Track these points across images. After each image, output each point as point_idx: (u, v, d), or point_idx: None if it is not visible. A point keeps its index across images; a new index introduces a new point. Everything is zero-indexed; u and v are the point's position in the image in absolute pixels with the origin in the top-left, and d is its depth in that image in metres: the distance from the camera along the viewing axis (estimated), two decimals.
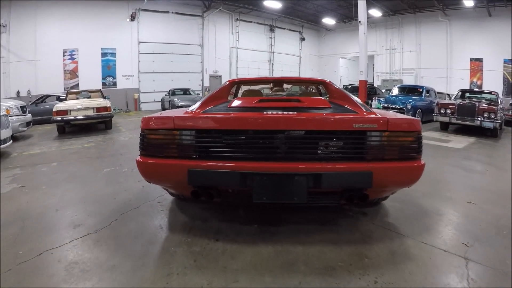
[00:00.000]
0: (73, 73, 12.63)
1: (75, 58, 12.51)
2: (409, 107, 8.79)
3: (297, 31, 19.98)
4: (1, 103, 6.01)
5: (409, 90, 10.31)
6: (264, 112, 2.01)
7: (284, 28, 19.13)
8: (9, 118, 5.61)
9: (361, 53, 10.20)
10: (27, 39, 11.19)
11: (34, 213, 2.69)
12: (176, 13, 14.70)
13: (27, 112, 6.95)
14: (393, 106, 9.04)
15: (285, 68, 19.06)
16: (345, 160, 1.96)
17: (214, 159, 1.92)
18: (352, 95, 2.67)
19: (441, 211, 2.80)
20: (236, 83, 3.44)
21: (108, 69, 13.70)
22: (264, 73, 18.00)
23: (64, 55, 12.25)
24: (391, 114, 2.40)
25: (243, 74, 17.07)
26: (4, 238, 2.23)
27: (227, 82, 2.95)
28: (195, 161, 1.93)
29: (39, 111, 9.08)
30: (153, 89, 14.53)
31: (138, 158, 2.09)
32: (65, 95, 8.99)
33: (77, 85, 12.55)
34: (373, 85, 15.56)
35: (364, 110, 2.23)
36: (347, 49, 19.71)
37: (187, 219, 2.55)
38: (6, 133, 4.82)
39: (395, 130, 1.94)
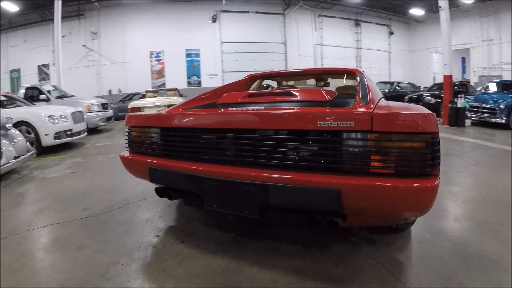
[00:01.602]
0: (160, 73, 14.86)
1: (161, 59, 14.73)
2: (502, 106, 7.73)
3: (384, 24, 18.67)
4: (84, 101, 7.72)
5: (504, 87, 9.02)
6: (234, 109, 2.01)
7: (371, 22, 18.15)
8: (90, 114, 7.16)
9: (444, 44, 9.14)
10: (117, 43, 13.87)
11: (65, 194, 3.40)
12: (257, 12, 15.62)
13: (108, 108, 8.62)
14: (484, 106, 8.24)
15: (373, 65, 17.92)
16: (305, 170, 1.64)
17: (171, 158, 2.07)
18: (369, 86, 2.12)
19: (486, 253, 2.02)
20: (256, 78, 3.44)
21: (193, 69, 15.57)
22: None
23: (151, 57, 14.60)
24: (395, 107, 1.82)
25: None
26: (30, 210, 2.95)
27: (246, 77, 3.07)
28: (156, 159, 2.12)
29: (125, 108, 11.06)
30: None
31: (126, 153, 2.42)
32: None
33: (164, 84, 14.75)
34: (468, 81, 13.91)
35: (363, 103, 1.80)
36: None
37: (174, 216, 2.78)
38: (81, 126, 6.19)
39: (386, 130, 1.46)
